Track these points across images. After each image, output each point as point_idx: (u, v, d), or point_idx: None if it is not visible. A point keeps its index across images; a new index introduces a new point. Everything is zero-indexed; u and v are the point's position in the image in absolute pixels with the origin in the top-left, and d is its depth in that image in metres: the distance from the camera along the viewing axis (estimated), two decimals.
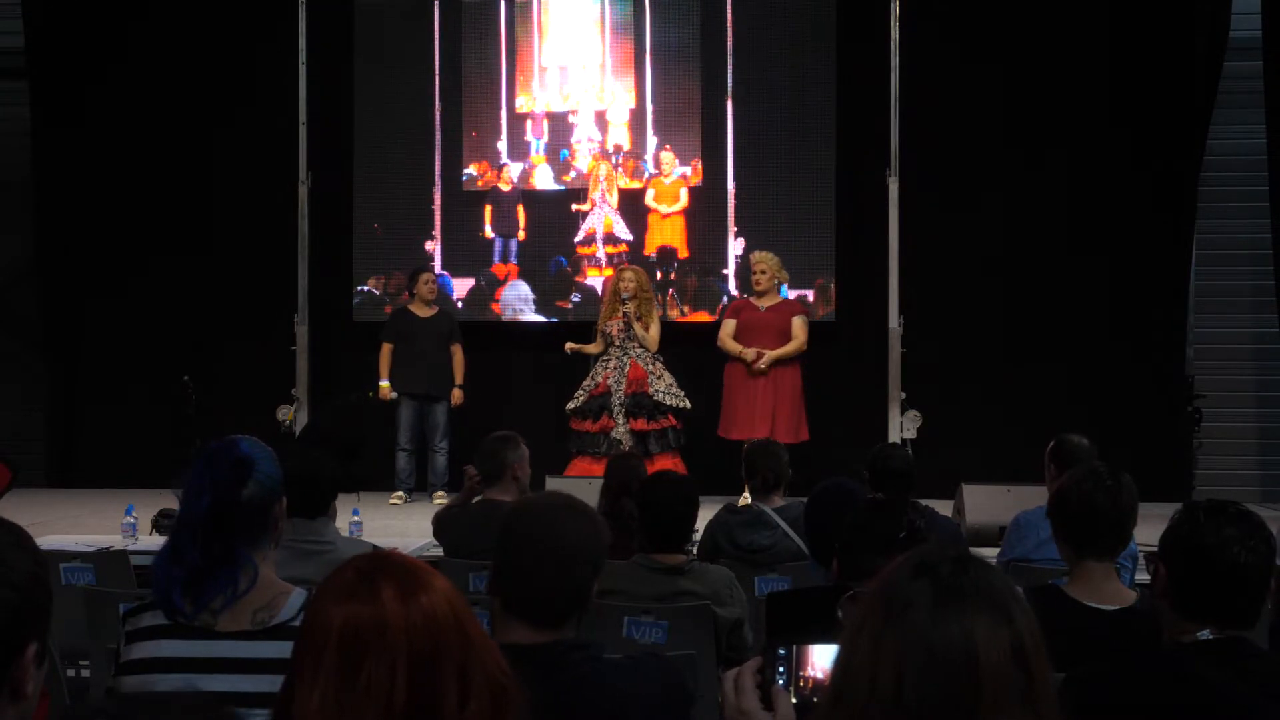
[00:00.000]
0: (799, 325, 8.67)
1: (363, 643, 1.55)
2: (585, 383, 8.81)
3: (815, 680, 1.69)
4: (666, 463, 8.33)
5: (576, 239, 9.81)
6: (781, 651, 1.70)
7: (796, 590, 3.88)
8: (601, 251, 9.76)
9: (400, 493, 9.01)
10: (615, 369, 8.71)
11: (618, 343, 8.76)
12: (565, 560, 2.41)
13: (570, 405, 8.78)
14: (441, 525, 5.27)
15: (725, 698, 1.69)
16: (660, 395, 8.66)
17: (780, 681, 1.69)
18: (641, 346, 8.75)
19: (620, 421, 8.58)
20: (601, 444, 8.51)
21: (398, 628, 1.56)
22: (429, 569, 1.66)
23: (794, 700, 1.68)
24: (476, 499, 5.21)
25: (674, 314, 9.63)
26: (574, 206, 9.80)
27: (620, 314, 8.71)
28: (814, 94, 9.59)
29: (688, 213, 9.76)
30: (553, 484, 7.26)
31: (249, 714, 2.51)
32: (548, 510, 2.51)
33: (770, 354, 8.54)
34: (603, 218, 9.77)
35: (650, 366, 8.74)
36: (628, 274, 8.86)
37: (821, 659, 1.70)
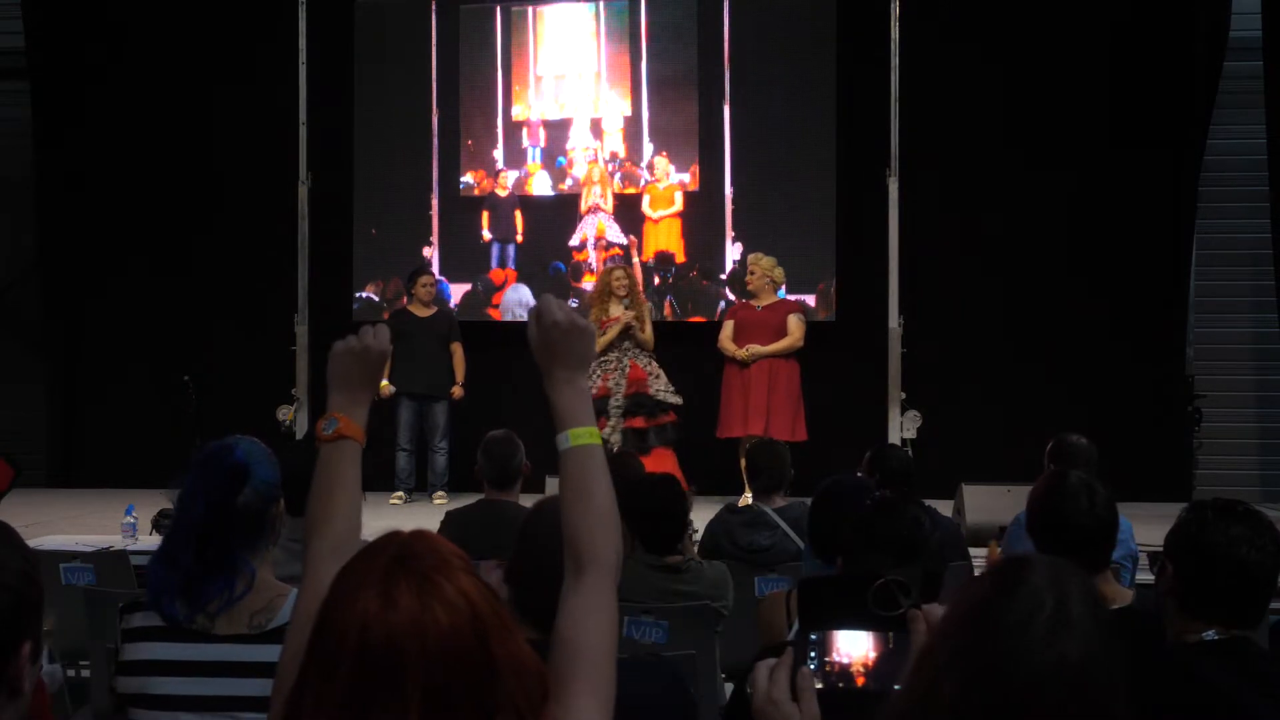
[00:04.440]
0: (794, 323, 8.65)
1: (376, 676, 1.44)
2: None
3: (841, 665, 1.71)
4: (665, 455, 8.40)
5: (573, 243, 9.79)
6: (814, 637, 1.71)
7: (828, 577, 3.85)
8: (593, 256, 9.74)
9: (400, 492, 9.01)
10: (616, 370, 8.68)
11: (615, 343, 8.73)
12: None
13: None
14: (447, 525, 5.25)
15: (756, 685, 1.69)
16: (661, 394, 8.67)
17: (812, 666, 1.70)
18: (638, 346, 8.74)
19: (613, 423, 8.54)
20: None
21: (414, 663, 1.44)
22: (456, 574, 1.52)
23: (820, 685, 1.69)
24: (480, 499, 5.19)
25: (670, 317, 9.63)
26: (582, 208, 9.77)
27: (618, 315, 8.67)
28: (814, 94, 9.57)
29: (685, 217, 9.75)
30: (553, 484, 7.24)
31: (246, 717, 2.51)
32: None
33: (760, 349, 8.54)
34: (596, 223, 9.76)
35: (648, 366, 8.73)
36: (618, 273, 8.83)
37: (846, 645, 1.72)
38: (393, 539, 1.55)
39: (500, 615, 1.52)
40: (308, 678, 1.48)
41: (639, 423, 8.60)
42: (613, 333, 8.63)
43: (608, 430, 8.52)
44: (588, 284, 9.75)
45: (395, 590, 1.47)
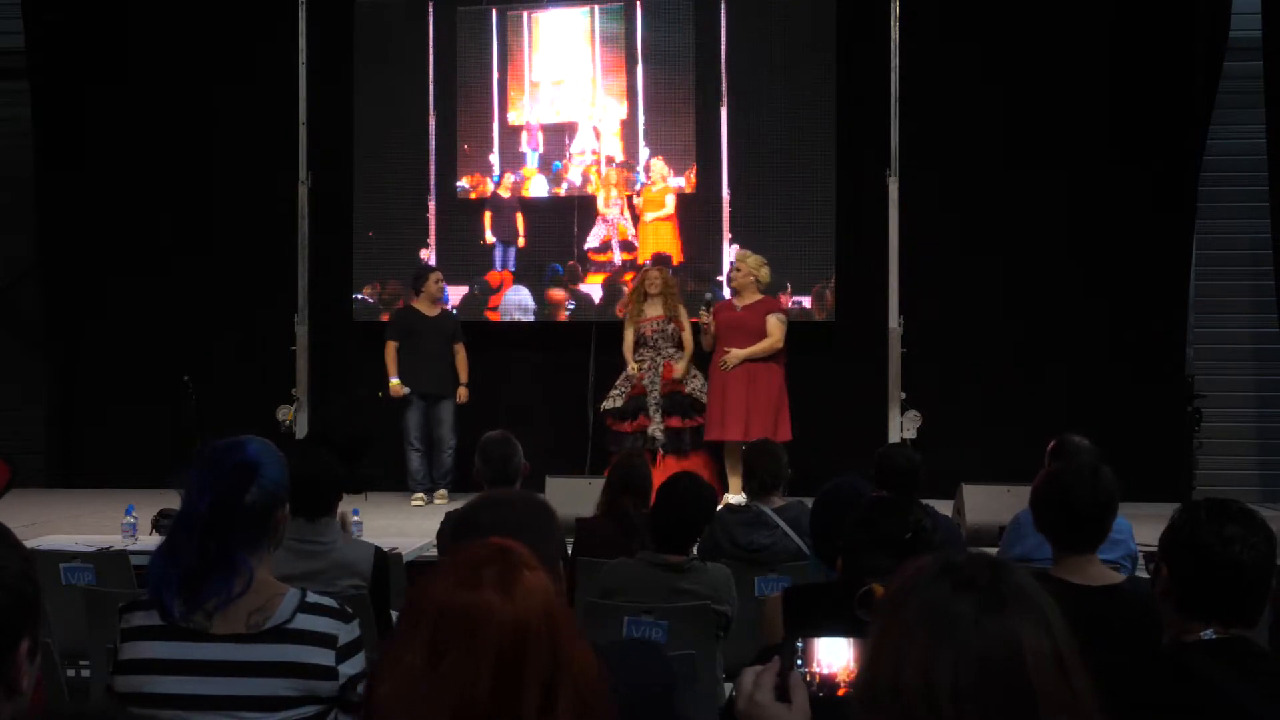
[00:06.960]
0: (773, 324, 8.51)
1: (454, 631, 1.61)
2: (620, 382, 8.80)
3: (821, 675, 1.72)
4: (699, 461, 8.44)
5: (590, 245, 9.77)
6: (800, 644, 1.73)
7: (813, 585, 3.87)
8: (618, 257, 9.73)
9: (420, 493, 8.95)
10: (650, 369, 8.72)
11: (650, 343, 8.76)
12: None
13: (607, 405, 8.76)
14: (450, 525, 5.24)
15: (741, 688, 1.70)
16: (696, 393, 8.71)
17: (800, 674, 1.71)
18: (674, 346, 8.78)
19: (656, 420, 8.60)
20: (637, 442, 8.50)
21: (486, 632, 1.61)
22: (538, 572, 1.69)
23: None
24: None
25: None
26: (597, 210, 9.76)
27: (657, 314, 8.71)
28: (813, 95, 9.55)
29: (679, 219, 9.72)
30: (553, 484, 7.28)
31: (244, 716, 2.51)
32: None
33: (739, 352, 8.46)
34: (616, 224, 9.76)
35: (682, 365, 8.75)
36: (653, 273, 8.90)
37: (826, 654, 1.72)
38: (488, 542, 1.74)
39: (570, 617, 1.69)
40: (399, 627, 1.68)
41: (675, 422, 8.64)
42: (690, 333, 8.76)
43: (652, 427, 8.56)
44: (585, 286, 9.75)
45: (481, 575, 1.66)
